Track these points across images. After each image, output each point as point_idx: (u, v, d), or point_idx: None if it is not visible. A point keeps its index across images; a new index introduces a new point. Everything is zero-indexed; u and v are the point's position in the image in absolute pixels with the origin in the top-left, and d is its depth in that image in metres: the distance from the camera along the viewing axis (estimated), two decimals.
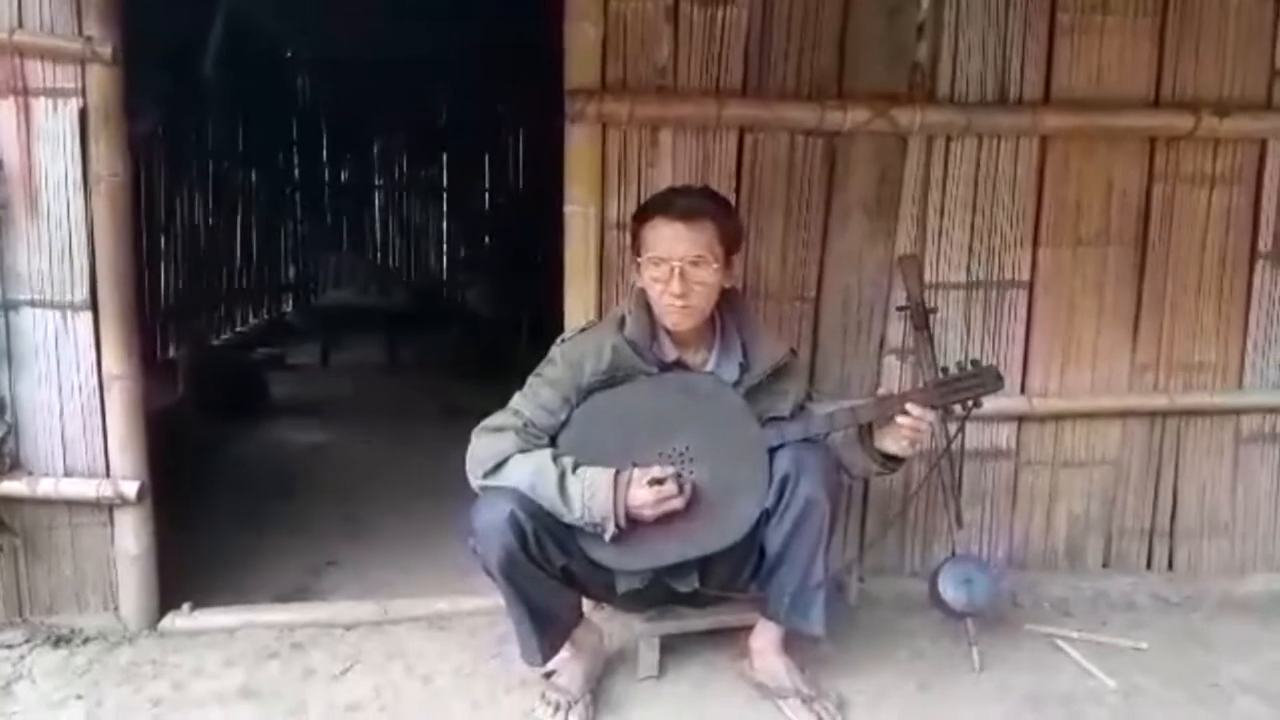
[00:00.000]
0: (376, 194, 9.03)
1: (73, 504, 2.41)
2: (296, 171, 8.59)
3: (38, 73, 2.28)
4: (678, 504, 1.96)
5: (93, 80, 2.28)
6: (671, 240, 2.01)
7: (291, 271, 8.65)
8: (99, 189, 2.31)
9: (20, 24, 2.25)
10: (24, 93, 2.28)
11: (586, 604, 2.25)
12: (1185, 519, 2.86)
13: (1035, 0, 2.58)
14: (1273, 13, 2.67)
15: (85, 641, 2.39)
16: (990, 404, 2.12)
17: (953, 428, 2.32)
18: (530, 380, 2.11)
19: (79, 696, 2.18)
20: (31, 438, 2.39)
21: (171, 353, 5.67)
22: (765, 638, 2.22)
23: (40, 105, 2.29)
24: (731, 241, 2.09)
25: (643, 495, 1.94)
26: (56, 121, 2.29)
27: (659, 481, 1.94)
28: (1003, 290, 2.69)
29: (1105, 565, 2.86)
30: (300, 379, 5.98)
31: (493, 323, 6.72)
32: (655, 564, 2.03)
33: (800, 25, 2.50)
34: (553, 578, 2.03)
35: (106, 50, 2.26)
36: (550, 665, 2.16)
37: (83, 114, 2.29)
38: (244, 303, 7.48)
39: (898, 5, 2.54)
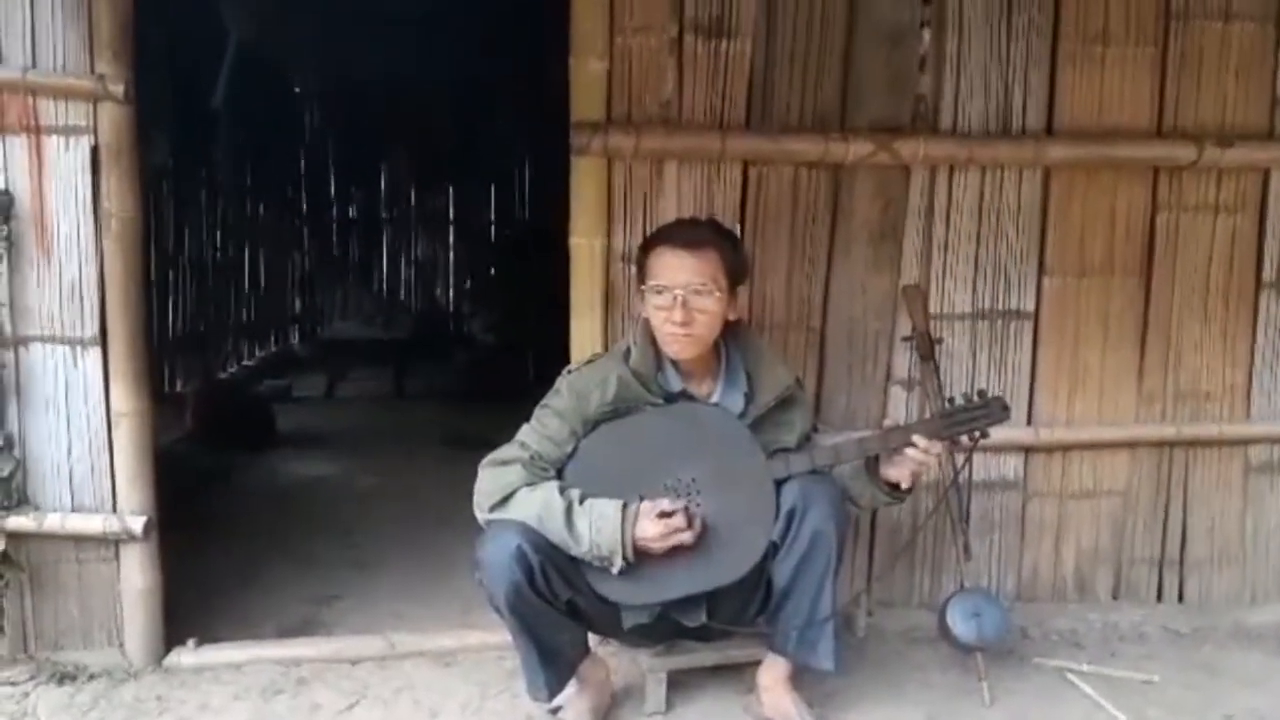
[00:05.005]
0: (384, 226, 9.09)
1: (79, 539, 2.41)
2: (304, 204, 8.65)
3: (50, 111, 2.30)
4: (687, 538, 1.94)
5: (104, 118, 2.30)
6: (675, 268, 2.02)
7: (298, 304, 8.70)
8: (109, 226, 2.32)
9: (34, 64, 2.28)
10: (36, 130, 2.30)
11: (593, 639, 2.23)
12: (1195, 550, 2.85)
13: (1037, 31, 2.61)
14: (1273, 42, 2.69)
15: (90, 678, 2.37)
16: (997, 435, 2.12)
17: (960, 459, 2.32)
18: (536, 412, 2.11)
19: None
20: (39, 473, 2.39)
21: (179, 385, 5.69)
22: (773, 673, 2.19)
23: (52, 143, 2.31)
24: (736, 273, 2.10)
25: (651, 529, 1.92)
26: (68, 159, 2.31)
27: (668, 514, 1.93)
28: (1008, 320, 2.70)
29: (1115, 597, 2.84)
30: (307, 411, 5.98)
31: (499, 353, 6.73)
32: (662, 598, 2.02)
33: (803, 58, 2.53)
34: (559, 612, 2.01)
35: (119, 88, 2.28)
36: (557, 701, 2.15)
37: (94, 152, 2.31)
38: (251, 335, 7.51)
39: (900, 37, 2.56)
